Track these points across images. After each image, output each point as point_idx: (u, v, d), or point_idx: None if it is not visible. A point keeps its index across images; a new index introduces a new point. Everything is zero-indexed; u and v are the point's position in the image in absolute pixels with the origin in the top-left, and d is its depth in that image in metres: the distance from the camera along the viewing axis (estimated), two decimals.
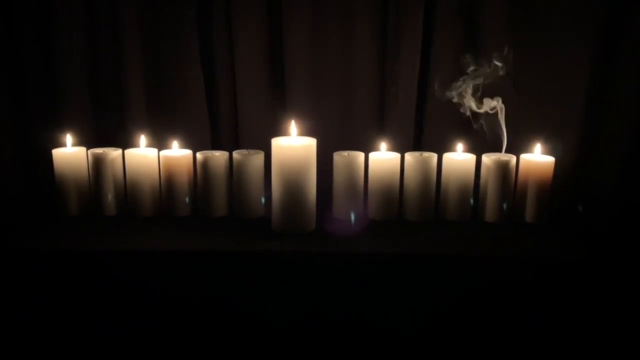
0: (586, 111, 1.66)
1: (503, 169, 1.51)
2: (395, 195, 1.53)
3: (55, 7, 1.63)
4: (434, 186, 1.53)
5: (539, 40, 1.63)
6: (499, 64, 1.52)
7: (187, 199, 1.55)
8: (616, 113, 1.65)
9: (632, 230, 1.50)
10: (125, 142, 1.62)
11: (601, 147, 1.68)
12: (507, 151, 1.56)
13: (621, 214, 1.62)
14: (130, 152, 1.54)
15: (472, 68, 1.54)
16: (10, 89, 1.69)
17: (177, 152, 1.55)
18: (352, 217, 1.51)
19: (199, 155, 1.53)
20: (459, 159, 1.53)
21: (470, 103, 1.53)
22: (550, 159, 1.54)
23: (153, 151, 1.55)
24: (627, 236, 1.45)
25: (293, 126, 1.44)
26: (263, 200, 1.52)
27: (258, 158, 1.52)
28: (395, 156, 1.52)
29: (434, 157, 1.52)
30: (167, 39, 1.68)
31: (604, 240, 1.43)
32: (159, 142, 1.60)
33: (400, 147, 1.59)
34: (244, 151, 1.54)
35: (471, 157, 1.53)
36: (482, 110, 1.53)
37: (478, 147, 1.58)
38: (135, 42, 1.67)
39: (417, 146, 1.72)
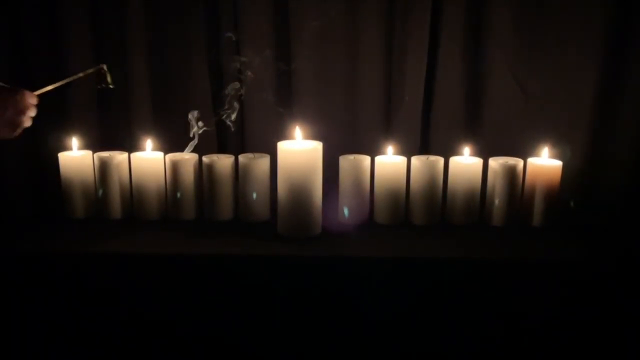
0: (594, 115, 1.65)
1: (510, 172, 1.50)
2: (401, 199, 1.52)
3: (61, 11, 1.63)
4: (440, 190, 1.52)
5: (545, 42, 1.63)
6: None
7: (192, 203, 1.55)
8: (624, 117, 1.64)
9: None
10: (132, 146, 1.62)
11: (609, 150, 1.67)
12: (514, 155, 1.55)
13: (630, 217, 1.61)
14: (136, 156, 1.54)
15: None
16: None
17: (183, 155, 1.55)
18: (346, 211, 1.51)
19: (205, 158, 1.53)
20: (465, 162, 1.52)
21: None
22: (557, 163, 1.53)
23: (159, 155, 1.55)
24: (636, 239, 1.44)
25: (298, 132, 1.44)
26: (254, 195, 1.51)
27: (264, 162, 1.51)
28: (402, 160, 1.52)
29: (440, 160, 1.51)
30: (173, 42, 1.68)
31: (612, 244, 1.42)
32: (165, 146, 1.60)
33: (407, 151, 1.59)
34: (250, 155, 1.54)
35: (478, 161, 1.52)
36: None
37: (485, 151, 1.57)
38: (142, 46, 1.67)
39: (424, 150, 1.71)
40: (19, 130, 1.27)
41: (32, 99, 1.29)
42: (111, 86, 1.42)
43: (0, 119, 1.22)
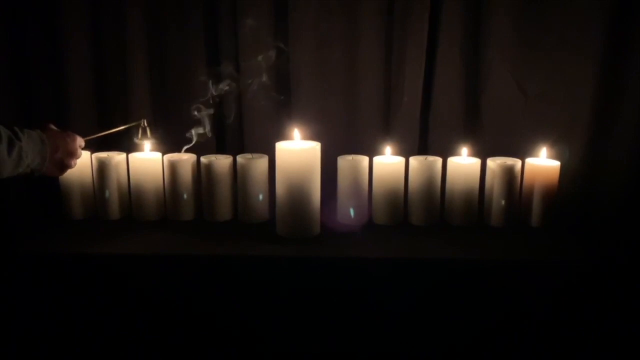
0: (592, 115, 1.65)
1: (508, 173, 1.50)
2: (400, 200, 1.52)
3: (61, 13, 1.63)
4: (438, 190, 1.52)
5: (544, 43, 1.62)
6: None
7: (191, 203, 1.55)
8: (623, 117, 1.64)
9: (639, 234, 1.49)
10: (130, 147, 1.62)
11: (608, 151, 1.67)
12: (512, 155, 1.56)
13: (628, 217, 1.61)
14: (134, 157, 1.54)
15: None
16: (16, 94, 1.69)
17: (182, 156, 1.55)
18: (352, 212, 1.51)
19: (203, 159, 1.53)
20: (464, 163, 1.53)
21: None
22: (555, 164, 1.53)
23: (157, 155, 1.55)
24: (636, 239, 1.44)
25: (296, 132, 1.44)
26: (261, 196, 1.52)
27: (262, 162, 1.51)
28: (400, 160, 1.52)
29: (438, 161, 1.51)
30: (173, 44, 1.68)
31: (611, 244, 1.42)
32: (164, 147, 1.59)
33: (405, 151, 1.59)
34: (248, 155, 1.54)
35: (476, 161, 1.52)
36: None
37: (483, 151, 1.57)
38: (141, 48, 1.67)
39: (422, 150, 1.71)
40: (65, 171, 1.35)
41: (81, 142, 1.37)
42: (150, 139, 1.53)
43: (51, 160, 1.29)
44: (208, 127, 1.56)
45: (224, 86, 1.63)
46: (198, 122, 1.59)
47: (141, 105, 1.70)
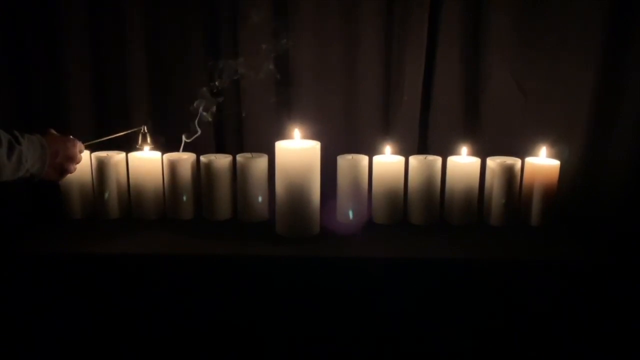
0: (592, 115, 1.65)
1: (508, 172, 1.50)
2: (399, 199, 1.52)
3: (60, 13, 1.63)
4: (438, 189, 1.52)
5: (544, 42, 1.63)
6: None
7: (190, 203, 1.55)
8: (622, 117, 1.64)
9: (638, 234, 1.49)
10: (129, 146, 1.62)
11: (607, 150, 1.66)
12: (512, 154, 1.55)
13: (628, 217, 1.61)
14: (133, 156, 1.54)
15: None
16: (16, 94, 1.69)
17: (181, 155, 1.55)
18: (351, 214, 1.51)
19: (202, 158, 1.53)
20: (463, 162, 1.52)
21: None
22: (555, 163, 1.53)
23: (156, 154, 1.55)
24: (635, 239, 1.44)
25: (296, 132, 1.44)
26: (260, 196, 1.52)
27: (261, 161, 1.51)
28: (400, 159, 1.52)
29: (438, 160, 1.51)
30: (172, 43, 1.68)
31: (610, 244, 1.42)
32: (164, 148, 1.59)
33: (405, 151, 1.59)
34: (248, 154, 1.54)
35: (476, 161, 1.52)
36: None
37: (483, 151, 1.57)
38: (141, 48, 1.67)
39: (422, 149, 1.71)
40: (65, 175, 1.35)
41: (81, 147, 1.37)
42: (151, 146, 1.54)
43: (51, 164, 1.28)
44: (209, 119, 1.56)
45: (224, 85, 1.63)
46: (198, 118, 1.59)
47: (141, 105, 1.70)
